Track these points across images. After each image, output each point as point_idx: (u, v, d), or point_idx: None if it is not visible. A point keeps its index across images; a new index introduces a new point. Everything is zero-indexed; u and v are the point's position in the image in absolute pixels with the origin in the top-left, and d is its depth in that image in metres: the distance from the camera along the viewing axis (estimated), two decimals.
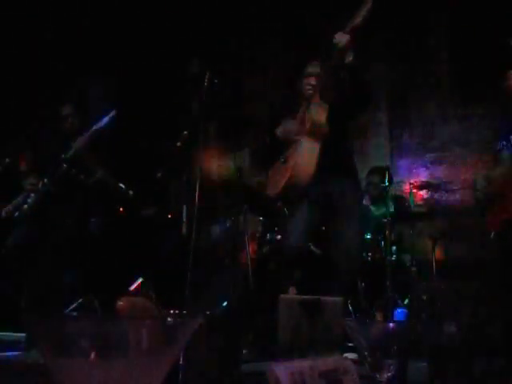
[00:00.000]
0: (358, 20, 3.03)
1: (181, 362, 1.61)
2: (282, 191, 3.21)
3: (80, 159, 4.01)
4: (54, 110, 4.28)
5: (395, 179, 5.07)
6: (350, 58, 3.09)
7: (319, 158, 3.16)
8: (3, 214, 4.04)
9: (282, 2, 5.78)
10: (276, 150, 3.39)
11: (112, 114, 4.01)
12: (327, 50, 3.15)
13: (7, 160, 4.19)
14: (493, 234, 3.30)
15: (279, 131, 3.35)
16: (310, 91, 3.32)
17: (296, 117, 3.36)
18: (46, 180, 4.02)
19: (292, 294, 3.39)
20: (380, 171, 4.63)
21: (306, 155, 3.17)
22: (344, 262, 3.09)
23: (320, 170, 3.14)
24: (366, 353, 1.00)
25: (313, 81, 3.34)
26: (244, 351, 2.55)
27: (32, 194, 4.02)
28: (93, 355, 0.50)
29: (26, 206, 4.00)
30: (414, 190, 4.80)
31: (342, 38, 3.05)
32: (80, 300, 3.73)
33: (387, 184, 4.32)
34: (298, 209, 3.24)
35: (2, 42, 5.05)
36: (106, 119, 3.99)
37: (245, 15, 5.91)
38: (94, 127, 4.00)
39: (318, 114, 3.21)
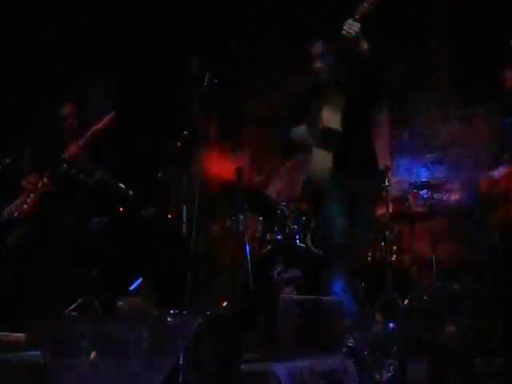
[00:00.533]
0: (367, 5, 2.89)
1: (181, 362, 1.61)
2: (301, 195, 3.18)
3: (78, 160, 4.02)
4: (54, 110, 4.29)
5: (395, 179, 5.06)
6: (364, 47, 2.94)
7: (340, 153, 3.07)
8: (5, 215, 4.04)
9: (282, 2, 5.77)
10: (290, 150, 3.32)
11: (111, 115, 4.02)
12: (337, 40, 3.00)
13: (7, 160, 4.19)
14: (496, 234, 3.29)
15: (292, 135, 3.24)
16: (320, 74, 3.18)
17: (307, 119, 3.24)
18: (45, 180, 4.02)
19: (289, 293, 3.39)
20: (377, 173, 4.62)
21: (318, 165, 3.09)
22: (341, 260, 3.06)
23: (341, 167, 3.08)
24: (365, 353, 1.00)
25: (317, 63, 3.19)
26: (244, 351, 2.55)
27: (31, 194, 4.02)
28: (93, 355, 0.50)
29: (25, 206, 4.00)
30: (414, 190, 4.80)
31: (351, 27, 2.88)
32: (80, 300, 3.73)
33: (386, 184, 4.32)
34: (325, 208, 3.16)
35: (2, 41, 5.05)
36: (104, 120, 4.00)
37: (245, 15, 5.91)
38: (93, 128, 4.01)
39: (331, 120, 3.08)
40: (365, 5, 2.90)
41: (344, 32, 2.89)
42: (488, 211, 3.38)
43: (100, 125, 4.00)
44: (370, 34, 3.07)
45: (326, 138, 3.08)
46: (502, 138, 3.51)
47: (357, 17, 2.90)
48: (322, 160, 3.08)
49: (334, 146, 3.08)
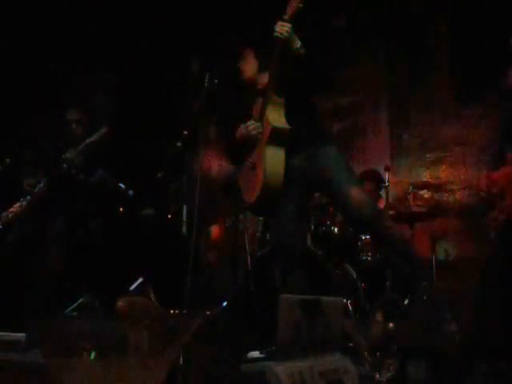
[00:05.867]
0: (295, 4, 2.87)
1: (181, 362, 1.61)
2: (257, 202, 3.01)
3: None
4: (59, 113, 4.29)
5: (395, 179, 5.07)
6: (296, 46, 2.91)
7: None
8: (3, 216, 4.04)
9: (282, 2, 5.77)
10: (240, 152, 3.19)
11: (104, 129, 4.01)
12: (270, 41, 2.97)
13: (7, 160, 4.19)
14: (492, 233, 3.31)
15: (238, 133, 3.14)
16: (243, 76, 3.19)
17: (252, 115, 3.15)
18: (42, 184, 4.02)
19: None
20: (373, 175, 4.63)
21: (271, 164, 2.96)
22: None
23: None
24: (365, 353, 1.00)
25: (241, 65, 3.20)
26: (244, 350, 2.55)
27: (28, 196, 4.02)
28: (93, 355, 0.50)
29: (19, 208, 4.00)
30: (414, 190, 4.80)
31: (283, 28, 2.88)
32: (80, 300, 3.73)
33: (387, 184, 4.33)
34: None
35: (2, 41, 5.05)
36: (97, 134, 4.00)
37: (245, 15, 5.91)
38: (87, 141, 4.01)
39: (276, 117, 3.00)
40: (293, 4, 2.88)
41: (275, 33, 2.89)
42: (488, 210, 3.39)
43: (92, 139, 3.99)
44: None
45: (276, 137, 2.98)
46: (501, 136, 3.52)
47: (286, 17, 2.89)
48: (275, 159, 2.97)
49: (286, 143, 2.99)
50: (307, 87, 3.06)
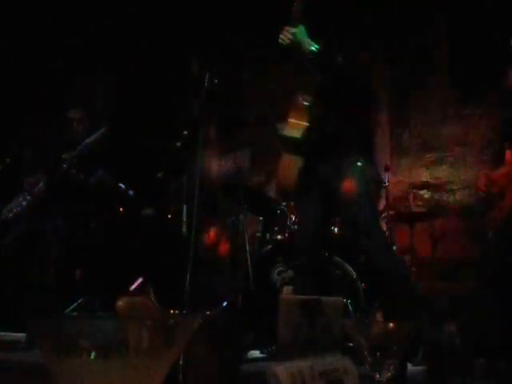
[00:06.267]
0: (295, 5, 2.88)
1: (181, 362, 1.61)
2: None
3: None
4: (60, 112, 4.30)
5: (395, 179, 5.07)
6: (307, 49, 2.89)
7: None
8: (4, 214, 4.04)
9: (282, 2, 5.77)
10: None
11: (102, 130, 4.02)
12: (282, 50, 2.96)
13: (7, 160, 4.19)
14: (491, 233, 3.31)
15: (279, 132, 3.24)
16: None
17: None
18: (41, 184, 4.03)
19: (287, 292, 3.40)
20: None
21: (283, 170, 3.06)
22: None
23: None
24: (365, 353, 1.00)
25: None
26: (244, 351, 2.55)
27: (28, 196, 4.03)
28: (93, 355, 0.50)
29: (19, 208, 4.01)
30: (414, 190, 4.80)
31: (286, 34, 2.88)
32: (80, 300, 3.73)
33: (387, 184, 4.34)
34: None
35: (2, 41, 5.05)
36: (95, 135, 4.00)
37: (245, 15, 5.91)
38: (85, 141, 4.02)
39: (295, 123, 3.00)
40: (294, 5, 2.90)
41: (279, 40, 2.91)
42: (487, 210, 3.39)
43: (90, 140, 3.99)
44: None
45: (286, 145, 3.03)
46: (501, 135, 3.52)
47: (292, 21, 2.90)
48: (287, 166, 3.03)
49: (299, 151, 3.00)
50: (338, 91, 3.00)
